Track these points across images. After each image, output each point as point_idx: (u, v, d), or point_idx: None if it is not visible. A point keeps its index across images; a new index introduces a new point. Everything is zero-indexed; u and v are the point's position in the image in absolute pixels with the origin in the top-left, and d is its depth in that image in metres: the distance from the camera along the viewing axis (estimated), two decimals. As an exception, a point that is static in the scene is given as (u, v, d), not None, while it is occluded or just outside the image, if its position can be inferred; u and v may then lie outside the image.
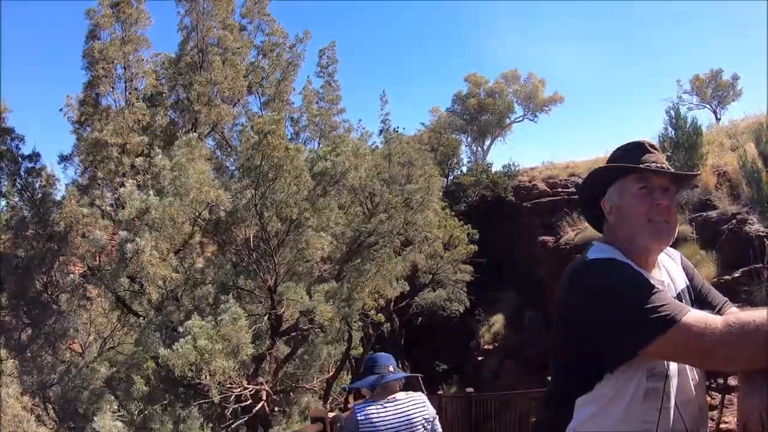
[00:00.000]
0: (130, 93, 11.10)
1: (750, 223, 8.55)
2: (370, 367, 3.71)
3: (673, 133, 11.43)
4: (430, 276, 17.86)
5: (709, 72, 29.84)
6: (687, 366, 1.68)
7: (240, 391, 8.62)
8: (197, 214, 9.02)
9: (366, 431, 3.55)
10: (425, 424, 3.67)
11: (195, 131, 10.53)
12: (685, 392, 1.67)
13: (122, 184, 9.03)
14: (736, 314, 1.56)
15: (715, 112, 29.69)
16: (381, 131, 17.50)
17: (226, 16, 12.32)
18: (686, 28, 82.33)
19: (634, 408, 1.59)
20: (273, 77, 13.97)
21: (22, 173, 11.27)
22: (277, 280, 9.16)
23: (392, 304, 16.34)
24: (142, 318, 9.95)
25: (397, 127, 18.34)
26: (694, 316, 1.50)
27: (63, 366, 10.77)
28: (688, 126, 11.45)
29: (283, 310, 9.04)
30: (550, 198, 20.27)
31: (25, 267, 11.20)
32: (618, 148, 1.91)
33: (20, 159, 11.27)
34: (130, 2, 11.07)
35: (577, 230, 15.43)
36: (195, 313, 8.04)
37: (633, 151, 1.83)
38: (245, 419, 9.23)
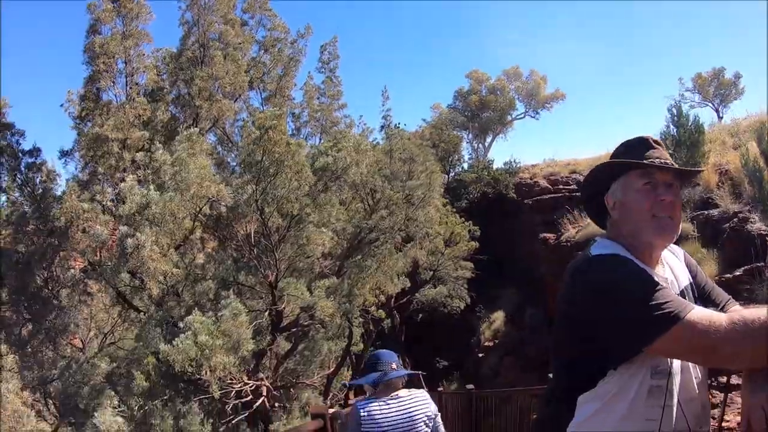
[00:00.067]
0: (131, 88, 11.07)
1: (752, 222, 8.53)
2: (373, 364, 3.72)
3: (675, 131, 11.41)
4: (431, 272, 17.85)
5: (711, 70, 29.84)
6: (690, 364, 1.67)
7: (240, 387, 8.61)
8: (198, 209, 9.01)
9: (368, 428, 3.55)
10: (427, 422, 3.68)
11: (196, 126, 10.52)
12: (688, 390, 1.66)
13: (123, 180, 9.02)
14: (740, 312, 1.55)
15: (717, 111, 29.69)
16: (382, 127, 17.43)
17: (228, 11, 12.29)
18: (688, 26, 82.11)
19: (637, 405, 1.58)
20: (274, 72, 13.93)
21: (23, 168, 11.26)
22: (277, 276, 9.15)
23: (393, 300, 16.30)
24: (142, 313, 9.94)
25: (399, 123, 18.28)
26: (699, 313, 1.49)
27: (63, 361, 10.77)
28: (690, 124, 11.43)
29: (283, 305, 9.04)
30: (552, 195, 20.23)
31: (25, 262, 11.19)
32: (621, 144, 1.89)
33: (21, 154, 11.26)
34: (131, -4, 11.04)
35: (578, 227, 15.41)
36: (196, 308, 8.03)
37: (637, 147, 1.82)
38: (245, 415, 9.22)
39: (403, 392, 3.71)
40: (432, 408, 3.75)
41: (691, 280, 1.89)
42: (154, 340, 7.96)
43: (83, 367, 9.70)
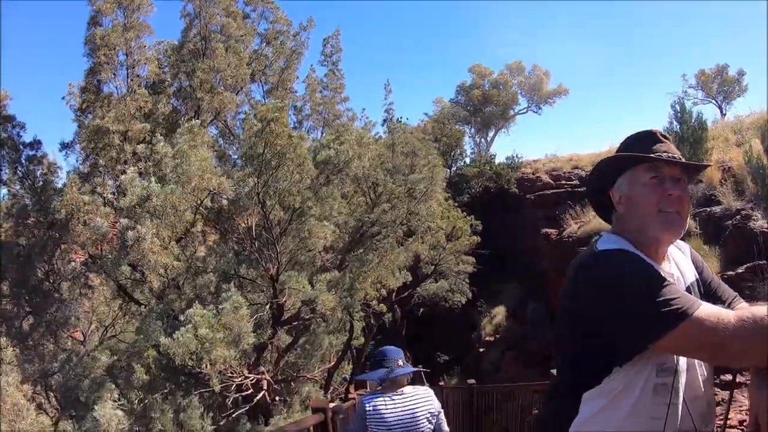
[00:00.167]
0: (132, 80, 11.01)
1: (754, 219, 8.56)
2: (380, 361, 3.79)
3: (678, 127, 11.41)
4: (433, 267, 17.86)
5: (714, 67, 29.82)
6: (696, 361, 1.65)
7: (241, 381, 8.61)
8: (199, 201, 8.97)
9: (373, 422, 3.62)
10: (430, 418, 3.73)
11: (197, 119, 10.45)
12: (693, 388, 1.64)
13: (124, 172, 8.97)
14: (749, 309, 1.53)
15: (720, 108, 29.66)
16: (384, 120, 17.41)
17: (230, 3, 12.20)
18: (692, 23, 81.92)
19: (643, 403, 1.56)
20: (276, 65, 13.86)
21: (23, 161, 11.20)
22: (279, 269, 9.12)
23: (394, 294, 16.32)
24: (143, 306, 9.92)
25: (401, 118, 18.27)
26: (707, 310, 1.48)
27: (64, 354, 10.75)
28: (693, 121, 11.44)
29: (284, 299, 9.01)
30: (554, 190, 20.26)
31: (26, 255, 11.17)
32: (628, 137, 1.87)
33: (21, 147, 11.19)
34: (132, -12, 10.97)
35: (580, 223, 15.43)
36: (196, 301, 8.01)
37: (644, 140, 1.79)
38: (246, 408, 9.22)
39: (407, 389, 3.77)
40: (435, 405, 3.80)
41: (697, 277, 1.87)
42: (154, 333, 7.94)
43: (84, 360, 9.67)
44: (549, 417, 1.94)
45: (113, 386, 8.49)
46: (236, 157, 12.80)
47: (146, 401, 8.03)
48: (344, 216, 10.79)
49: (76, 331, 13.43)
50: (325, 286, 8.93)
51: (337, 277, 9.82)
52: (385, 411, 3.64)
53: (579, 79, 79.55)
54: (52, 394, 11.85)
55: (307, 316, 9.66)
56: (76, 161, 11.45)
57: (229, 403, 8.81)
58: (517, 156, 24.43)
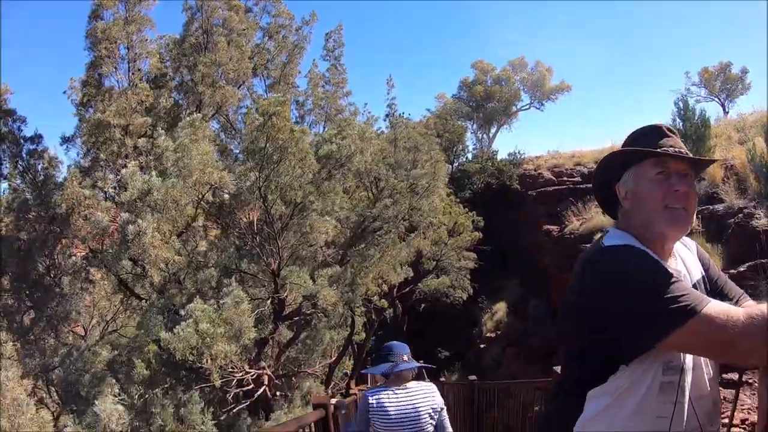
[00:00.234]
0: (133, 74, 10.97)
1: (757, 218, 8.55)
2: (386, 355, 3.83)
3: (681, 124, 11.43)
4: (434, 262, 17.84)
5: (718, 64, 29.64)
6: (702, 360, 1.64)
7: (242, 376, 8.59)
8: (200, 196, 8.94)
9: (376, 416, 3.65)
10: (432, 414, 3.75)
11: (199, 113, 10.42)
12: (699, 387, 1.62)
13: (125, 166, 8.94)
14: (758, 306, 1.50)
15: (723, 105, 29.54)
16: (387, 115, 17.36)
17: (232, -3, 12.18)
18: (695, 21, 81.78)
19: (649, 401, 1.54)
20: (278, 60, 13.82)
21: (24, 155, 11.16)
22: (280, 264, 9.10)
23: (395, 290, 16.31)
24: (144, 301, 9.91)
25: (403, 113, 18.20)
26: (716, 307, 1.46)
27: (65, 349, 10.74)
28: (696, 118, 11.46)
29: (286, 294, 8.99)
30: (556, 187, 20.22)
31: (27, 249, 11.15)
32: (634, 131, 1.85)
33: (22, 141, 11.16)
34: (134, -19, 10.92)
35: (582, 220, 15.44)
36: (197, 296, 7.98)
37: (650, 135, 1.77)
38: (247, 404, 9.20)
39: (411, 384, 3.81)
40: (437, 401, 3.82)
41: (704, 274, 1.86)
42: (155, 328, 7.92)
43: (84, 354, 9.66)
44: (553, 414, 1.92)
45: (114, 381, 8.48)
46: (238, 151, 12.80)
47: (146, 396, 8.01)
48: (346, 211, 10.76)
49: (78, 325, 13.43)
50: (326, 281, 8.92)
51: (338, 272, 9.80)
52: (388, 405, 3.66)
53: (582, 75, 79.43)
54: (53, 388, 11.85)
55: (308, 311, 9.65)
56: (77, 155, 11.45)
57: (229, 398, 8.78)
58: (519, 152, 24.46)
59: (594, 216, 14.75)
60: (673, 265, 1.72)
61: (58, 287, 11.73)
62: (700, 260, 1.90)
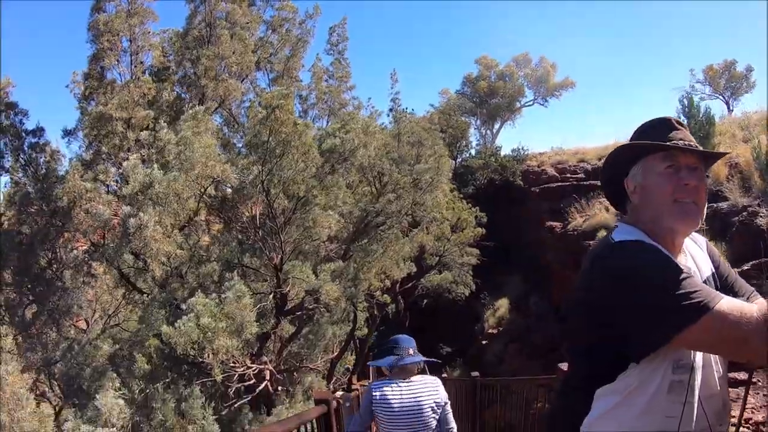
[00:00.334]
0: (135, 66, 10.92)
1: (761, 216, 8.53)
2: (391, 348, 3.84)
3: (685, 122, 11.38)
4: (437, 258, 17.87)
5: (722, 62, 29.52)
6: (712, 359, 1.60)
7: (243, 371, 8.57)
8: (203, 189, 8.90)
9: (380, 408, 3.68)
10: (435, 408, 3.74)
11: (202, 106, 10.37)
12: (709, 386, 1.58)
13: (127, 159, 8.91)
14: None
15: (727, 103, 29.44)
16: (391, 110, 17.33)
17: (235, -11, 12.11)
18: (700, 18, 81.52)
19: (658, 401, 1.51)
20: (282, 53, 13.78)
21: (26, 148, 11.14)
22: (283, 259, 9.08)
23: (398, 285, 16.30)
24: (146, 295, 9.89)
25: (407, 109, 18.17)
26: (728, 303, 1.42)
27: (66, 343, 10.74)
28: (701, 115, 11.45)
29: (288, 288, 8.98)
30: (559, 183, 20.21)
31: (29, 243, 11.13)
32: (643, 124, 1.81)
33: (24, 134, 11.13)
34: (136, -26, 10.86)
35: (585, 216, 15.41)
36: (199, 290, 7.95)
37: (659, 128, 1.73)
38: (248, 398, 9.20)
39: (416, 378, 3.82)
40: (441, 395, 3.81)
41: (714, 271, 1.82)
42: (157, 322, 7.91)
43: (85, 348, 9.65)
44: (560, 412, 1.90)
45: (115, 375, 8.45)
46: (241, 145, 12.76)
47: (147, 391, 7.99)
48: (349, 206, 10.74)
49: (80, 320, 13.42)
50: (329, 276, 8.90)
51: (341, 267, 9.79)
52: (391, 398, 3.67)
53: (586, 72, 79.25)
54: (55, 382, 11.85)
55: (310, 306, 9.64)
56: (79, 149, 11.42)
57: (231, 393, 8.78)
58: (522, 148, 24.40)
59: (597, 213, 14.72)
60: (682, 261, 1.68)
61: (59, 281, 11.73)
62: (710, 257, 1.86)
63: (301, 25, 13.99)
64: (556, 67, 32.20)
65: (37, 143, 11.22)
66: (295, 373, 11.48)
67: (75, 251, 11.83)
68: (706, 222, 8.95)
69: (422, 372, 4.01)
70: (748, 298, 1.75)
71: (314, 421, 4.84)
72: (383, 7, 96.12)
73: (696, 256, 1.81)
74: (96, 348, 9.36)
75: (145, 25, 11.03)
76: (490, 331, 20.04)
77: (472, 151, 27.89)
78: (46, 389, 12.41)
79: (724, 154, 2.06)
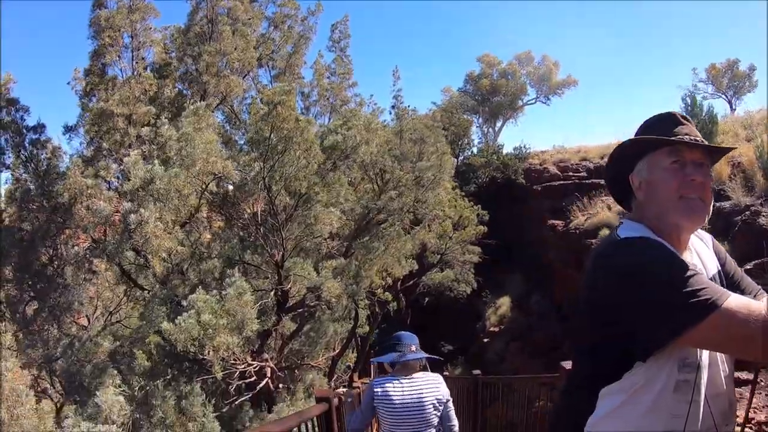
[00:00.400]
0: (137, 63, 10.90)
1: (764, 216, 8.48)
2: (394, 345, 3.85)
3: (688, 121, 11.40)
4: (438, 256, 17.84)
5: (725, 61, 29.50)
6: (719, 358, 1.57)
7: (244, 368, 8.55)
8: (204, 186, 8.88)
9: (381, 404, 3.68)
10: (437, 405, 3.74)
11: (203, 102, 10.34)
12: (715, 385, 1.56)
13: (128, 155, 8.88)
14: None
15: (730, 103, 29.44)
16: (393, 107, 17.28)
17: (237, -14, 12.07)
18: (703, 17, 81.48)
19: (664, 400, 1.48)
20: (284, 50, 13.75)
21: (27, 145, 11.12)
22: (284, 256, 9.06)
23: (399, 283, 16.27)
24: (147, 292, 9.87)
25: (409, 106, 18.13)
26: (736, 300, 1.38)
27: (66, 339, 10.73)
28: (703, 114, 11.42)
29: (289, 285, 8.97)
30: (561, 182, 20.20)
31: (29, 240, 11.12)
32: (648, 119, 1.79)
33: (25, 130, 11.11)
34: (137, -31, 10.83)
35: (587, 215, 15.39)
36: (200, 287, 7.93)
37: (664, 123, 1.71)
38: (249, 396, 9.18)
39: (418, 374, 3.82)
40: (443, 392, 3.81)
41: (720, 268, 1.80)
42: (157, 319, 7.88)
43: (86, 345, 9.64)
44: (564, 410, 1.87)
45: (115, 372, 8.44)
46: (242, 142, 12.73)
47: (147, 388, 7.97)
48: (351, 203, 10.71)
49: (81, 316, 13.42)
50: (330, 273, 8.89)
51: (342, 265, 9.77)
52: (393, 394, 3.67)
53: (588, 70, 79.26)
54: (57, 379, 11.85)
55: (312, 303, 9.63)
56: (80, 145, 11.41)
57: (232, 390, 8.76)
58: (524, 146, 24.38)
59: (599, 211, 14.69)
60: (688, 258, 1.66)
61: (60, 278, 11.72)
62: (716, 254, 1.85)
63: (303, 21, 13.99)
64: (559, 66, 32.20)
65: (38, 140, 11.20)
66: (296, 371, 11.47)
67: (76, 248, 11.81)
68: (708, 221, 8.96)
69: (424, 369, 4.00)
70: (755, 296, 1.74)
71: (315, 419, 4.80)
72: (385, 6, 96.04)
73: (702, 253, 1.79)
74: (96, 345, 9.37)
75: (147, 21, 11.02)
76: (491, 329, 20.02)
77: (474, 149, 27.90)
78: (48, 386, 12.41)
79: (731, 149, 2.02)
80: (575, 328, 1.75)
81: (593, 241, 12.95)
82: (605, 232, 12.62)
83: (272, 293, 9.29)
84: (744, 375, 4.45)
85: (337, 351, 13.50)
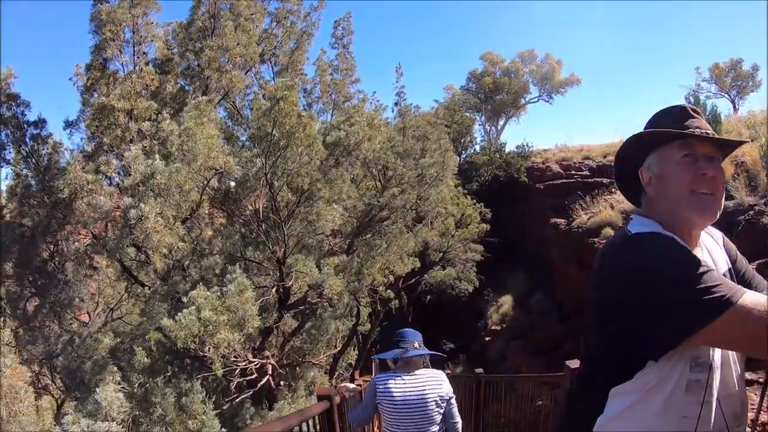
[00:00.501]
0: (138, 58, 10.84)
1: (767, 215, 8.41)
2: (397, 341, 3.87)
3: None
4: (441, 254, 17.85)
5: (728, 61, 29.49)
6: (731, 358, 1.54)
7: (245, 365, 8.50)
8: (206, 181, 8.84)
9: (383, 400, 3.70)
10: (439, 402, 3.76)
11: (205, 97, 10.29)
12: (727, 386, 1.52)
13: (129, 150, 8.83)
14: None
15: (733, 102, 29.45)
16: (396, 104, 17.28)
17: (239, -19, 12.02)
18: (706, 16, 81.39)
19: (676, 400, 1.44)
20: (286, 46, 13.72)
21: (28, 140, 11.08)
22: (286, 252, 9.02)
23: (401, 280, 16.25)
24: (148, 288, 9.84)
25: (411, 103, 18.14)
26: (752, 297, 1.35)
27: (67, 336, 10.71)
28: (707, 114, 11.43)
29: (291, 282, 8.92)
30: (564, 180, 20.17)
31: (30, 235, 11.10)
32: (657, 112, 1.75)
33: (26, 125, 11.08)
34: (139, -36, 10.77)
35: (590, 214, 15.35)
36: (201, 283, 7.88)
37: (674, 116, 1.67)
38: (250, 393, 9.14)
39: (421, 371, 3.83)
40: (446, 389, 3.83)
41: (730, 266, 1.77)
42: (158, 316, 7.85)
43: (86, 341, 9.61)
44: (572, 410, 1.85)
45: (116, 369, 8.40)
46: (244, 138, 12.70)
47: (147, 385, 7.92)
48: (353, 200, 10.68)
49: (82, 313, 13.42)
50: (332, 270, 8.84)
51: (344, 262, 9.73)
52: (394, 390, 3.69)
53: (591, 69, 79.27)
54: (57, 375, 11.84)
55: (313, 301, 9.59)
56: (81, 140, 11.37)
57: (233, 387, 8.71)
58: (527, 145, 24.45)
59: (602, 210, 14.64)
60: (698, 255, 1.59)
61: (61, 273, 11.72)
62: (726, 252, 1.82)
63: (305, 17, 13.95)
64: (562, 64, 32.28)
65: (38, 135, 11.17)
66: (297, 368, 11.43)
67: (77, 243, 11.80)
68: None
69: (425, 366, 3.99)
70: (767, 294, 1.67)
71: (317, 417, 4.77)
72: (388, 4, 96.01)
73: (712, 250, 1.76)
74: (97, 341, 9.33)
75: (149, 15, 10.95)
76: (493, 327, 20.02)
77: (477, 147, 28.00)
78: (49, 382, 12.41)
79: (742, 142, 1.98)
80: (586, 327, 1.71)
81: (596, 239, 12.92)
82: (608, 230, 12.61)
83: (274, 290, 9.26)
84: (748, 375, 4.40)
85: (338, 348, 13.46)
